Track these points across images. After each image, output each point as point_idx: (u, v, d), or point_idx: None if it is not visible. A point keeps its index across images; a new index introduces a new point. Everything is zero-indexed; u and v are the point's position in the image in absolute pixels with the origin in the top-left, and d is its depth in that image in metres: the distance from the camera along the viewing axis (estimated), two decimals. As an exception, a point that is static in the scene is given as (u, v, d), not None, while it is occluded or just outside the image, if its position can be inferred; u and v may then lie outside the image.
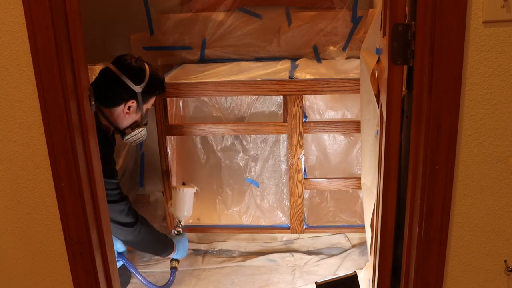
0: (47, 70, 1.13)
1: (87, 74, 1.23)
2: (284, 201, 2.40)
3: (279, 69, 2.38)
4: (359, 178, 2.16)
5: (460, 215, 1.19)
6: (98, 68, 2.14)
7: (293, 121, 2.18)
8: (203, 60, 2.59)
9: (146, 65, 1.88)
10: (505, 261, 1.22)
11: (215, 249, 2.40)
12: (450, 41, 1.05)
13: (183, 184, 2.38)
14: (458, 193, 1.17)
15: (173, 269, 2.10)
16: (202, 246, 2.42)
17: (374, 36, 1.60)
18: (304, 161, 2.27)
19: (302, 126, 2.19)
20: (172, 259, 2.11)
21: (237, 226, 2.42)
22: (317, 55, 2.54)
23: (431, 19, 1.05)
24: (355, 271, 1.81)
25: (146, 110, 1.91)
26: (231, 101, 2.36)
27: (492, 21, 1.05)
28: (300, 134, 2.20)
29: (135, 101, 1.82)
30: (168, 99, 2.24)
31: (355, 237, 2.39)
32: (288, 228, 2.37)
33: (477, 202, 1.18)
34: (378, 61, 1.57)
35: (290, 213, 2.34)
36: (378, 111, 1.57)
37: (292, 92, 2.14)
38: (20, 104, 1.19)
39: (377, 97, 1.63)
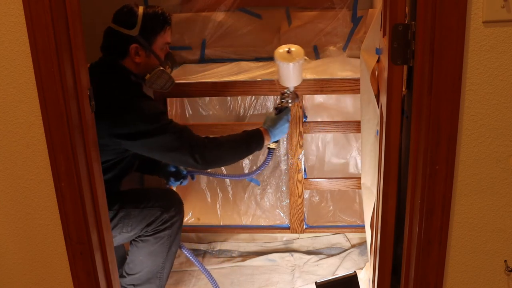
0: (47, 70, 1.13)
1: (87, 74, 1.23)
2: (284, 201, 2.40)
3: (279, 69, 2.37)
4: (359, 178, 2.16)
5: (460, 215, 1.19)
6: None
7: (293, 121, 2.18)
8: (203, 60, 2.59)
9: (137, 7, 1.76)
10: (505, 261, 1.22)
11: (215, 249, 2.40)
12: (450, 41, 1.05)
13: (288, 51, 1.79)
14: (458, 193, 1.17)
15: (270, 151, 1.89)
16: (202, 246, 2.42)
17: (374, 36, 1.60)
18: (304, 161, 2.27)
19: (302, 126, 2.19)
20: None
21: (237, 226, 2.42)
22: (317, 55, 2.54)
23: (431, 19, 1.05)
24: (355, 271, 1.81)
25: (163, 50, 1.80)
26: (231, 101, 2.36)
27: (492, 21, 1.04)
28: (300, 134, 2.20)
29: (137, 45, 1.72)
30: (168, 99, 2.24)
31: (355, 237, 2.39)
32: (288, 228, 2.37)
33: (477, 202, 1.18)
34: (378, 61, 1.57)
35: (290, 213, 2.34)
36: (378, 111, 1.57)
37: (292, 92, 2.14)
38: (20, 104, 1.19)
39: (377, 97, 1.63)
